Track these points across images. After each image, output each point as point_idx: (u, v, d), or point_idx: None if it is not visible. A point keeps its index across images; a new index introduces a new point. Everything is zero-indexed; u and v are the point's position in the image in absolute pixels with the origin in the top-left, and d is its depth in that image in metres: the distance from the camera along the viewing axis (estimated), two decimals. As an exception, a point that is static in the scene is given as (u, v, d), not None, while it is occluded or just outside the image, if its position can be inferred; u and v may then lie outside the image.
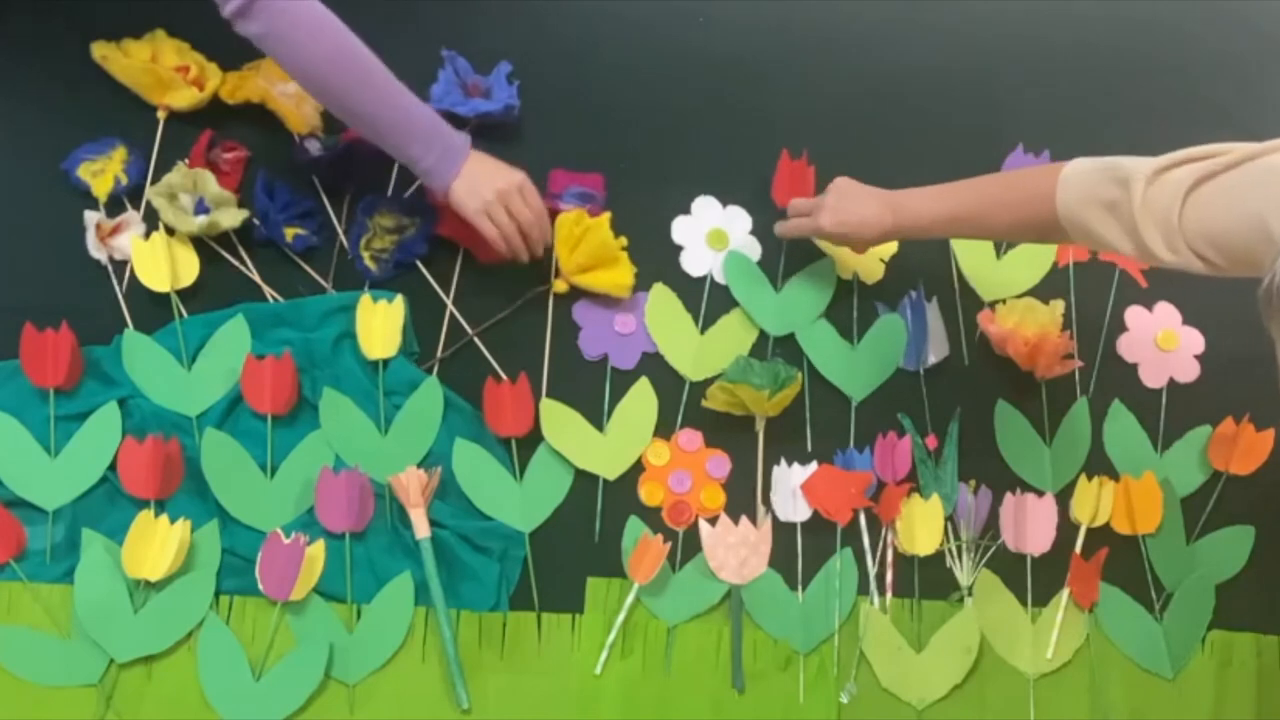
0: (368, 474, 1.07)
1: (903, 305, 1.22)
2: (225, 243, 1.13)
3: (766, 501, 1.14)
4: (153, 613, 1.01)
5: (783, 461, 1.15)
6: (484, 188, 1.07)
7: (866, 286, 1.24)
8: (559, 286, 1.16)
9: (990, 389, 1.21)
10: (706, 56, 1.30)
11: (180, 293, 1.10)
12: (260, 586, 1.02)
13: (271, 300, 1.13)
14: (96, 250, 1.10)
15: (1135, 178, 0.89)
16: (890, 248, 1.25)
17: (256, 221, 1.13)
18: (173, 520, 1.02)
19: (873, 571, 1.13)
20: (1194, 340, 1.28)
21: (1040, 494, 1.18)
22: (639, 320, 1.18)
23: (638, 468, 1.13)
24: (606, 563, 1.10)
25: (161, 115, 1.16)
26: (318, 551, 1.04)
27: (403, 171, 1.19)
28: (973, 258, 1.26)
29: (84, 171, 1.13)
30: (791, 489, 1.14)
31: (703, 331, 1.19)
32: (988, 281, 1.26)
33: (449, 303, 1.15)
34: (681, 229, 1.22)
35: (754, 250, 1.23)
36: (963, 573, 1.14)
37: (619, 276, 1.16)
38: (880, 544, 1.14)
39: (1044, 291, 1.25)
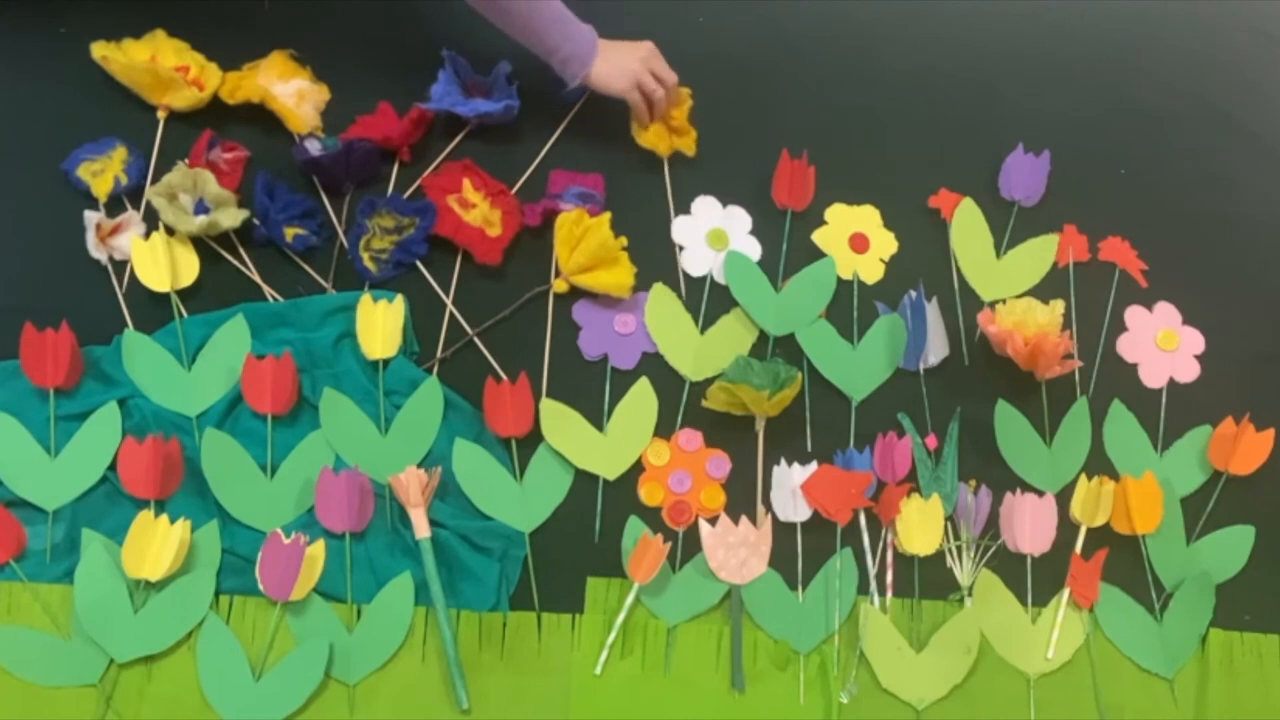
0: (368, 474, 1.07)
1: (903, 305, 1.22)
2: (225, 243, 1.13)
3: (766, 501, 1.14)
4: (153, 613, 1.01)
5: (783, 461, 1.15)
6: (627, 63, 1.15)
7: (866, 286, 1.24)
8: (559, 286, 1.16)
9: (990, 389, 1.21)
10: (706, 56, 1.30)
11: (180, 293, 1.10)
12: (260, 586, 1.01)
13: (271, 300, 1.13)
14: (96, 250, 1.10)
15: None
16: (890, 247, 1.25)
17: (256, 221, 1.13)
18: (173, 520, 1.02)
19: (873, 571, 1.13)
20: (1194, 340, 1.27)
21: (1040, 494, 1.18)
22: (639, 320, 1.18)
23: (638, 468, 1.13)
24: (606, 563, 1.10)
25: (161, 115, 1.16)
26: (318, 551, 1.04)
27: (402, 171, 1.19)
28: (973, 257, 1.26)
29: (84, 171, 1.13)
30: (791, 489, 1.14)
31: (703, 331, 1.19)
32: (988, 281, 1.26)
33: (449, 303, 1.15)
34: (681, 229, 1.22)
35: (754, 250, 1.23)
36: (963, 573, 1.14)
37: (619, 276, 1.15)
38: (880, 544, 1.14)
39: (1044, 291, 1.25)
